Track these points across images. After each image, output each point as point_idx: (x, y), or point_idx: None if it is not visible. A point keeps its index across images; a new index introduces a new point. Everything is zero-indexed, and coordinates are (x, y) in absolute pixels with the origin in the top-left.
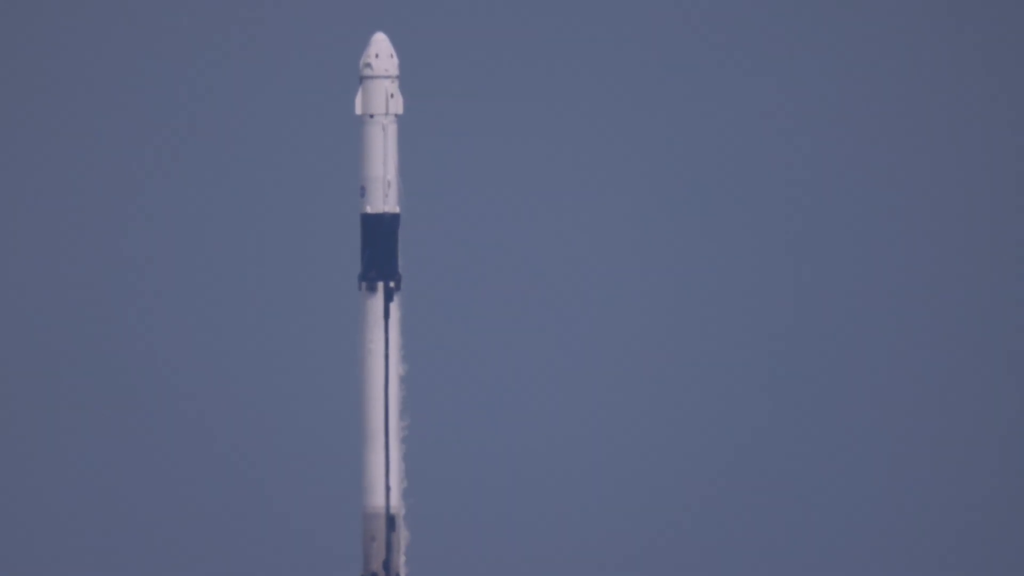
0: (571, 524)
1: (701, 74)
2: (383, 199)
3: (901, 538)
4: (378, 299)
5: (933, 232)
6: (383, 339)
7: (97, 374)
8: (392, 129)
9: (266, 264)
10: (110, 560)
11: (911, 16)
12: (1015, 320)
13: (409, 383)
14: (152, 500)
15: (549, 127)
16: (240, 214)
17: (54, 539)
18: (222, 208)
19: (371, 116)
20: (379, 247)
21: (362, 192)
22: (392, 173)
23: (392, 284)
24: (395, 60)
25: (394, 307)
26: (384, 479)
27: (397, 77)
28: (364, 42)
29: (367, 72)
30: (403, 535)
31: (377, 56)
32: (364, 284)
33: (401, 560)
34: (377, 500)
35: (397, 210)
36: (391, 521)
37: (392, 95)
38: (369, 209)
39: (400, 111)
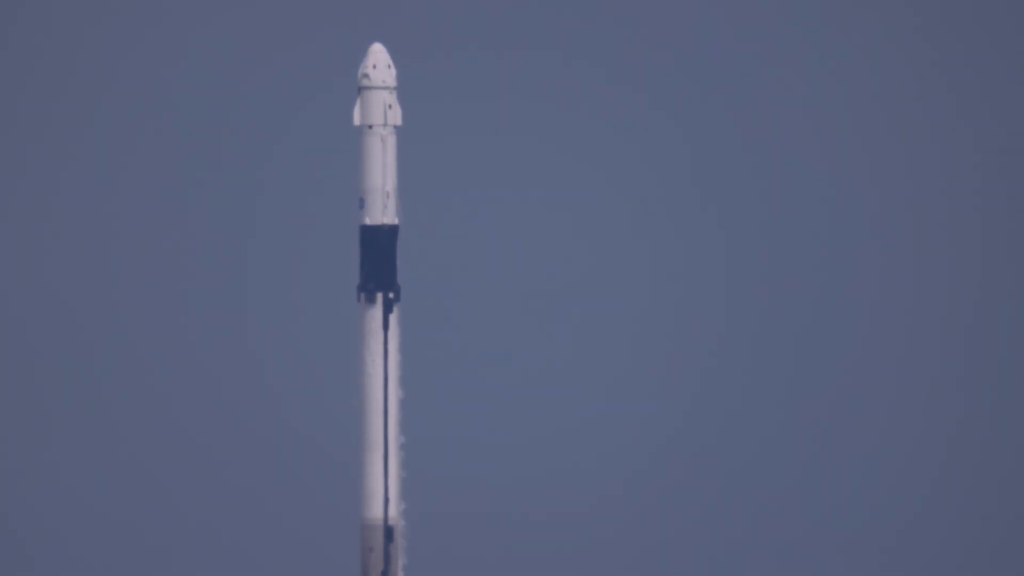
0: (570, 535)
1: (699, 77)
2: (382, 210)
3: (900, 538)
4: (377, 310)
5: (933, 232)
6: (382, 350)
7: (96, 387)
8: (391, 140)
9: (265, 275)
10: (109, 570)
11: (916, 17)
12: (1015, 320)
13: (408, 394)
14: (151, 512)
15: (549, 137)
16: (239, 225)
17: (55, 550)
18: (221, 219)
19: (369, 127)
20: (378, 258)
21: (361, 203)
22: (391, 184)
23: (391, 295)
24: (393, 71)
25: (393, 318)
26: (383, 490)
27: (395, 88)
28: (362, 53)
29: (365, 83)
30: (401, 546)
31: (375, 67)
32: (363, 295)
33: (399, 571)
34: (375, 511)
35: (396, 221)
36: (389, 532)
37: (390, 106)
38: (368, 220)
39: (399, 122)
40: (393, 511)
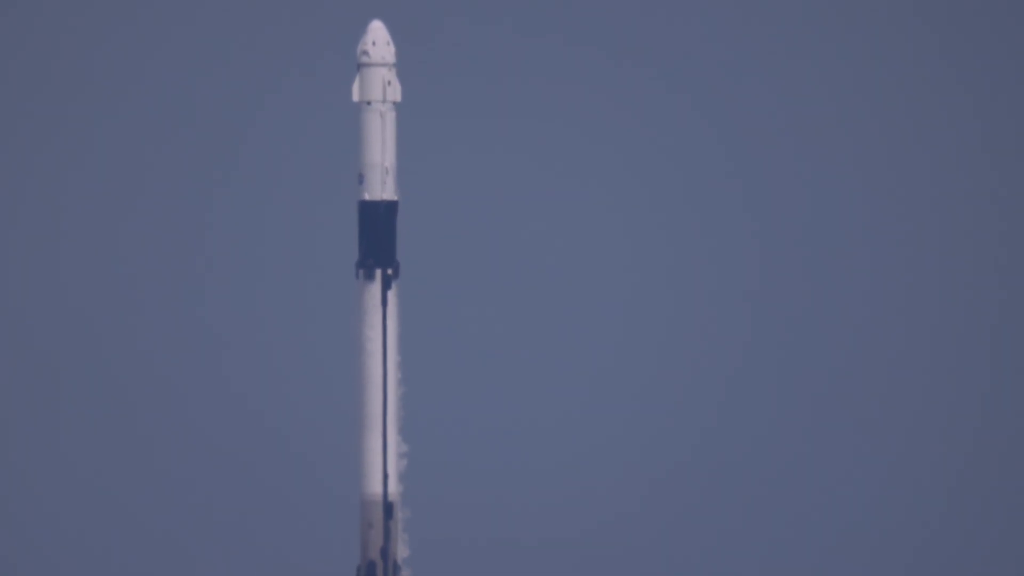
0: (569, 510)
1: (710, 65)
2: (381, 186)
3: (900, 539)
4: (376, 286)
5: (932, 233)
6: (381, 326)
7: (90, 365)
8: (390, 116)
9: (264, 251)
10: (104, 550)
11: (911, 21)
12: (1014, 320)
13: (407, 370)
14: (148, 489)
15: (549, 114)
16: (237, 201)
17: (51, 533)
18: (219, 195)
19: (368, 103)
20: (377, 234)
21: (360, 179)
22: (390, 160)
23: (390, 271)
24: (392, 48)
25: (392, 294)
26: (382, 466)
27: (394, 65)
28: (361, 30)
29: (364, 60)
30: (400, 522)
31: (374, 44)
32: (362, 271)
33: (399, 547)
34: (375, 487)
35: (395, 197)
36: (389, 508)
37: (389, 83)
38: (367, 196)
39: (398, 98)
40: (392, 487)
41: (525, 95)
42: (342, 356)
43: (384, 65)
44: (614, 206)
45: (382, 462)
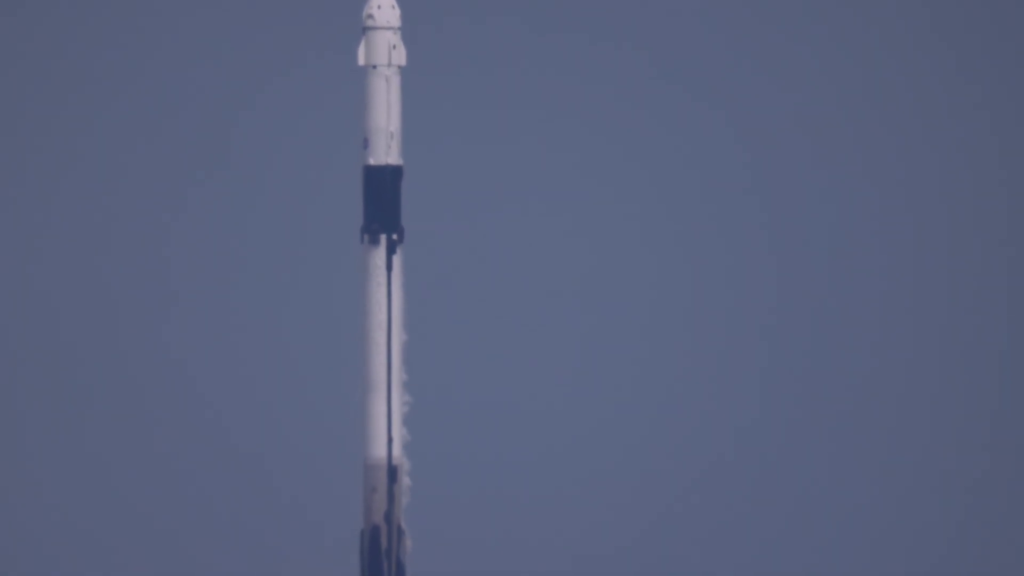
0: (573, 474)
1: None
2: (386, 151)
3: (900, 539)
4: (380, 252)
5: (932, 233)
6: (385, 291)
7: (99, 346)
8: (395, 80)
9: (268, 216)
10: (106, 524)
11: (913, 19)
12: (1014, 320)
13: (411, 335)
14: (150, 456)
15: (555, 78)
16: (241, 166)
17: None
18: (223, 160)
19: (374, 67)
20: (382, 199)
21: (365, 144)
22: (395, 125)
23: (395, 236)
24: (397, 11)
25: (396, 259)
26: (386, 430)
27: (399, 28)
28: None
29: (369, 23)
30: (404, 486)
31: (379, 7)
32: (367, 236)
33: (402, 511)
34: (379, 451)
35: (400, 162)
36: (393, 472)
37: (395, 46)
38: (372, 161)
39: (403, 62)
40: (396, 451)
41: (531, 59)
42: (347, 321)
43: (389, 29)
44: (623, 172)
45: (386, 426)
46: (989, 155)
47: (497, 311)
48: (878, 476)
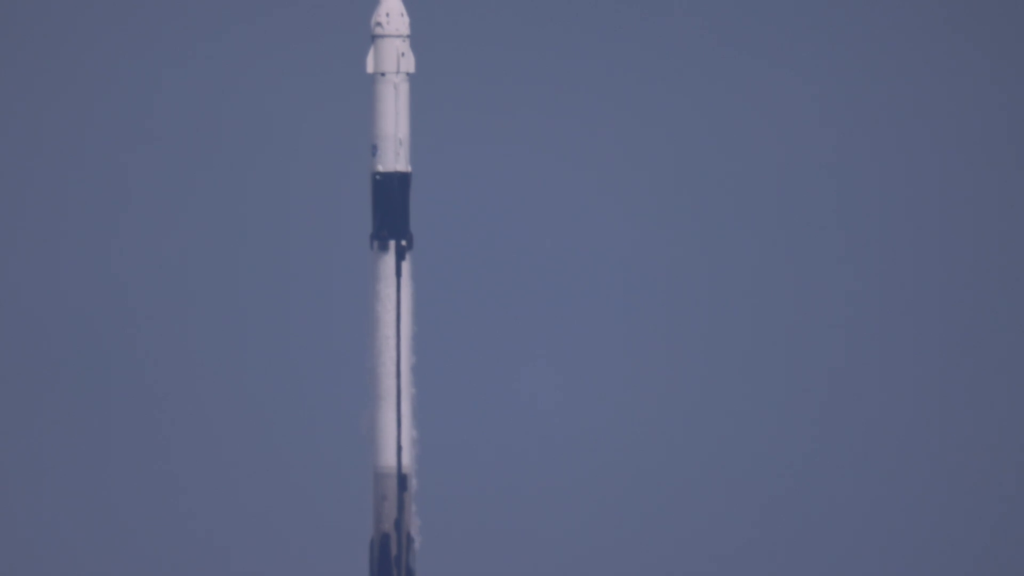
0: (583, 482)
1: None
2: (394, 158)
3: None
4: (389, 258)
5: (930, 233)
6: (395, 298)
7: (110, 351)
8: (403, 88)
9: (277, 223)
10: (113, 522)
11: (911, 15)
12: (1014, 321)
13: (420, 342)
14: (160, 464)
15: (563, 85)
16: (250, 172)
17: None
18: (233, 166)
19: (382, 75)
20: (390, 206)
21: (373, 151)
22: (403, 132)
23: (403, 243)
24: (406, 19)
25: (405, 266)
26: (396, 438)
27: (408, 36)
28: (375, 1)
29: (378, 31)
30: (414, 495)
31: (388, 15)
32: (375, 243)
33: (413, 519)
34: (388, 459)
35: (408, 169)
36: (403, 480)
37: (403, 54)
38: (380, 168)
39: (412, 70)
40: (406, 459)
41: (539, 66)
42: (356, 328)
43: (398, 36)
44: (629, 177)
45: (396, 434)
46: (991, 155)
47: (506, 317)
48: (877, 475)
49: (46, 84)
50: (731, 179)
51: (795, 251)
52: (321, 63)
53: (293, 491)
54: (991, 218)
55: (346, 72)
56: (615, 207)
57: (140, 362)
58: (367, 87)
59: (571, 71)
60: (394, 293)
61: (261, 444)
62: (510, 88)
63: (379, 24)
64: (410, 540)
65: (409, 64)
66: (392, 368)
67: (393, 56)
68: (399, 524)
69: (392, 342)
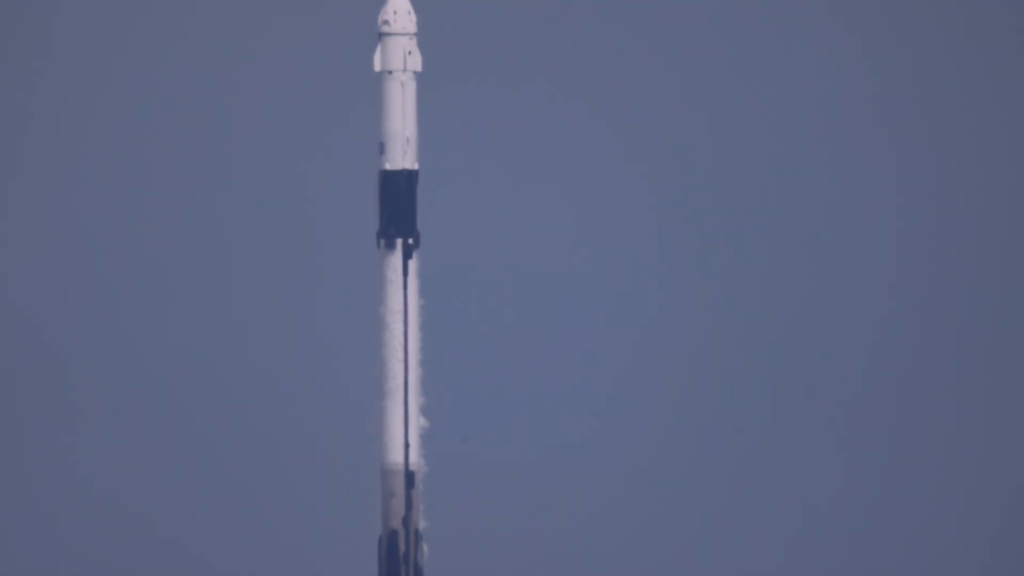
0: (591, 477)
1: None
2: (402, 156)
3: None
4: (396, 256)
5: (929, 233)
6: (402, 296)
7: (111, 344)
8: (411, 86)
9: (284, 221)
10: (121, 523)
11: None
12: (1014, 321)
13: (427, 339)
14: (166, 462)
15: (570, 84)
16: (257, 170)
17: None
18: (240, 164)
19: (390, 73)
20: (398, 204)
21: (381, 149)
22: (411, 130)
23: (411, 241)
24: (413, 18)
25: (412, 264)
26: (403, 436)
27: (415, 34)
28: (383, 0)
29: (385, 29)
30: (421, 492)
31: (395, 13)
32: (383, 241)
33: (420, 517)
34: (396, 457)
35: (416, 167)
36: (410, 478)
37: (410, 52)
38: (388, 166)
39: (419, 68)
40: (414, 457)
41: (546, 65)
42: (363, 326)
43: (405, 35)
44: (639, 175)
45: (403, 431)
46: (991, 153)
47: (513, 314)
48: (877, 476)
49: (46, 84)
50: (737, 178)
51: (804, 254)
52: (329, 61)
53: (301, 489)
54: (992, 217)
55: (354, 70)
56: (623, 205)
57: (145, 359)
58: (374, 85)
59: (579, 70)
60: (401, 291)
61: (269, 442)
62: (517, 86)
63: (386, 22)
64: (418, 537)
65: (416, 62)
66: (399, 366)
67: (400, 54)
68: (407, 521)
69: (399, 339)
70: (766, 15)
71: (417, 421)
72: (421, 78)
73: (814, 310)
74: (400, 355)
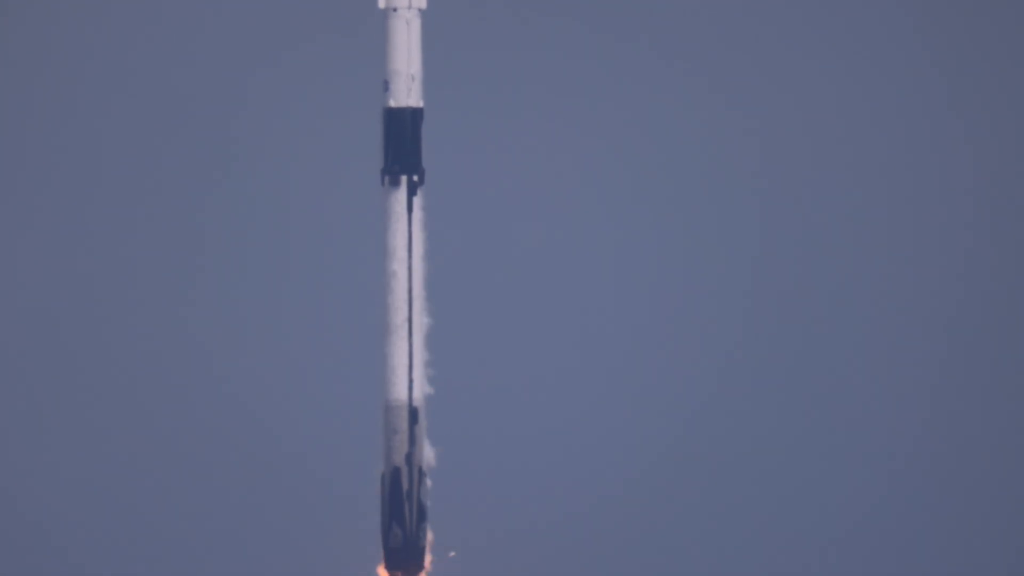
0: (597, 406)
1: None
2: (406, 93)
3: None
4: (401, 193)
5: (928, 233)
6: (406, 233)
7: (114, 316)
8: (416, 23)
9: (288, 158)
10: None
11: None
12: (1014, 321)
13: (432, 277)
14: (171, 406)
15: (580, 22)
16: (261, 108)
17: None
18: (242, 102)
19: (394, 10)
20: (402, 141)
21: (385, 86)
22: (416, 67)
23: (415, 178)
24: None
25: (417, 201)
26: (407, 372)
27: None
28: None
29: None
30: (423, 428)
31: None
32: (387, 178)
33: (424, 453)
34: (400, 393)
35: (420, 104)
36: (414, 414)
37: None
38: (392, 103)
39: (423, 5)
40: (418, 393)
41: (556, 2)
42: (367, 263)
43: None
44: (649, 127)
45: (407, 368)
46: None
47: (519, 251)
48: (876, 476)
49: (47, 82)
50: (752, 174)
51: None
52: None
53: (304, 427)
54: (990, 218)
55: (358, 7)
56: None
57: (150, 310)
58: (379, 22)
59: (589, 9)
60: (406, 228)
61: (271, 378)
62: (524, 22)
63: None
64: (421, 474)
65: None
66: (403, 303)
67: None
68: (410, 458)
69: (404, 277)
70: (766, 15)
71: (421, 357)
72: (426, 15)
73: (817, 310)
74: (404, 292)
